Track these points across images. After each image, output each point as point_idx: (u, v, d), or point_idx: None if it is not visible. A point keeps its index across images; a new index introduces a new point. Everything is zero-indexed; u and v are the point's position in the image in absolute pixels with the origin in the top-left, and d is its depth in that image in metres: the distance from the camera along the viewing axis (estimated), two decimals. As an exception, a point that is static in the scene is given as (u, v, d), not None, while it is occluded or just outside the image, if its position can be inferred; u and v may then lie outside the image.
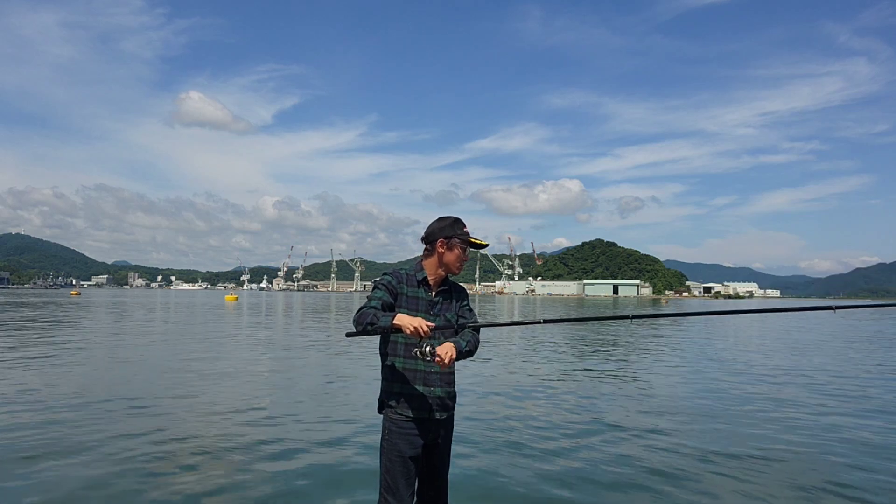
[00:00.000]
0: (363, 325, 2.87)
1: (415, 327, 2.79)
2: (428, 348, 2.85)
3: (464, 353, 3.01)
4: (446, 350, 2.88)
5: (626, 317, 3.25)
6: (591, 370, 12.54)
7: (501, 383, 10.48)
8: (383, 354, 3.12)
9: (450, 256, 3.11)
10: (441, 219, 3.17)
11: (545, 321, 3.36)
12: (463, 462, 5.61)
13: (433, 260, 3.13)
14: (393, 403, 3.04)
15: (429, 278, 3.14)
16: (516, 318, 35.59)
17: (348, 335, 3.02)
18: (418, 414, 3.01)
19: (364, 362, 12.82)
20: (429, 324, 2.84)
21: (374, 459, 5.58)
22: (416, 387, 3.02)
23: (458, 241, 3.10)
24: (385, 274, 3.13)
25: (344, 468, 5.52)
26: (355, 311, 2.95)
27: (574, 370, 12.48)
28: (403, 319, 2.81)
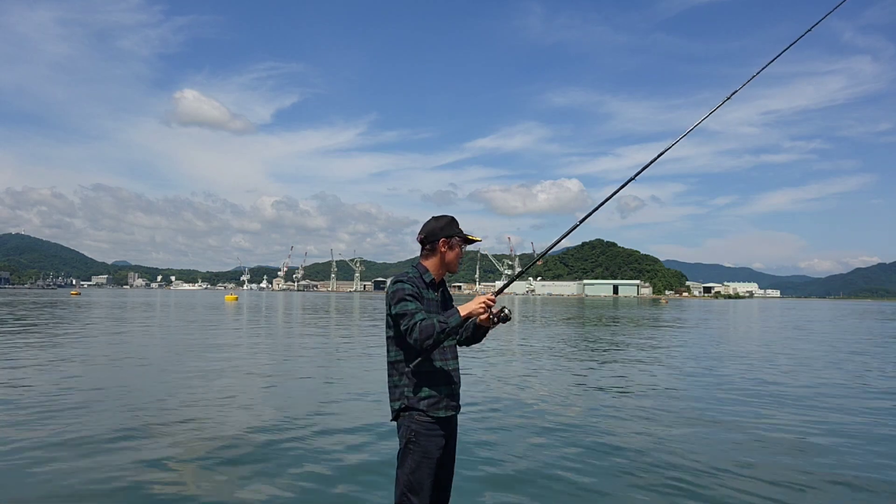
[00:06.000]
0: (435, 338, 2.81)
1: (483, 305, 2.91)
2: (506, 311, 2.98)
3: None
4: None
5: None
6: (591, 371, 12.56)
7: (502, 385, 10.49)
8: (408, 360, 2.99)
9: (451, 255, 3.13)
10: (438, 218, 3.15)
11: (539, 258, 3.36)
12: (463, 462, 5.61)
13: (435, 260, 3.12)
14: (423, 407, 2.95)
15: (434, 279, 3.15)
16: (516, 318, 35.58)
17: (414, 364, 2.91)
18: (447, 413, 3.01)
19: (365, 362, 12.81)
20: (489, 296, 2.96)
21: (378, 465, 5.60)
22: (445, 386, 3.02)
23: (458, 239, 3.14)
24: (401, 282, 3.00)
25: (346, 469, 5.52)
26: (408, 334, 2.85)
27: (575, 372, 12.50)
28: (469, 306, 2.92)
